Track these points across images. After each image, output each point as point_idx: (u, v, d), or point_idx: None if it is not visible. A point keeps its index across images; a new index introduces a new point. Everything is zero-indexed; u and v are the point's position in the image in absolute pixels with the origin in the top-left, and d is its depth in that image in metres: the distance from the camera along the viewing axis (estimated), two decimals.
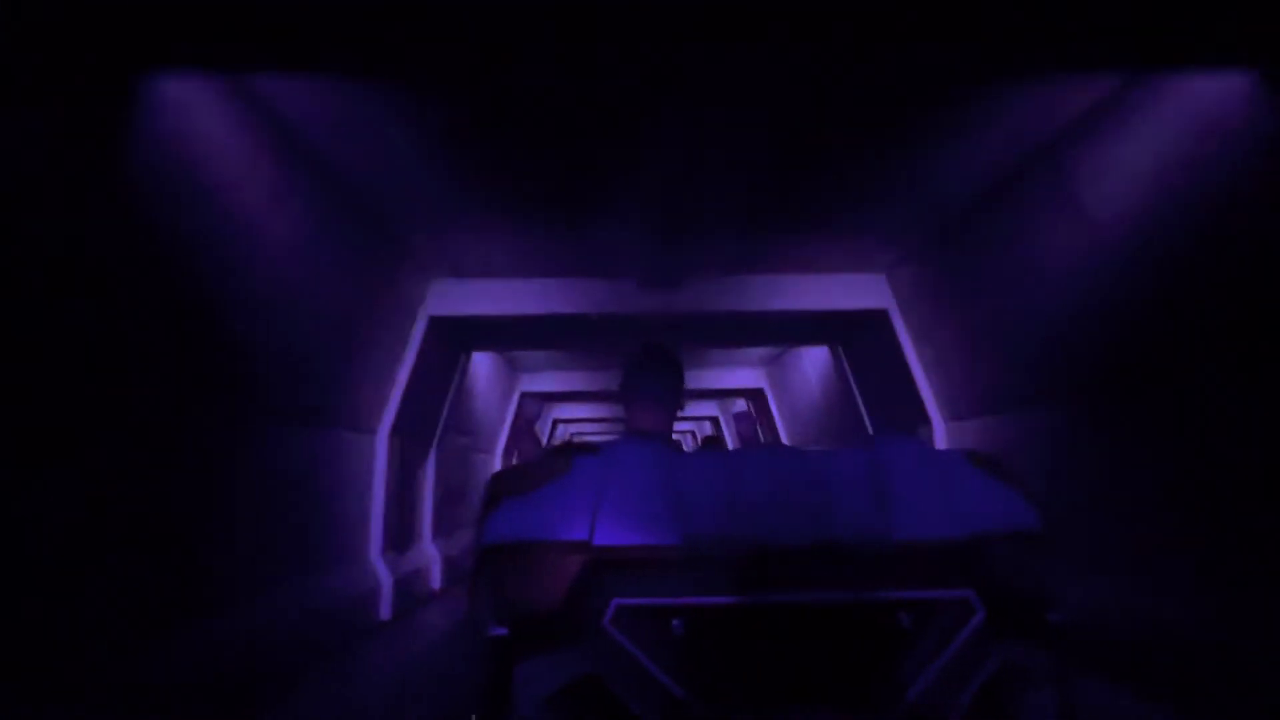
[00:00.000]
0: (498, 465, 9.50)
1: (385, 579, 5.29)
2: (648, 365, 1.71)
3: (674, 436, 1.89)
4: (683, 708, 1.02)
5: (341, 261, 4.12)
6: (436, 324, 5.61)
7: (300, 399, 4.09)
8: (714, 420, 15.04)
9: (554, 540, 1.10)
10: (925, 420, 5.41)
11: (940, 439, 5.29)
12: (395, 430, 5.58)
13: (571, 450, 1.52)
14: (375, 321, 4.89)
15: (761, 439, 10.18)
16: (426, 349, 5.67)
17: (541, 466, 1.19)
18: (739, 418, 9.14)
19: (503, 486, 1.20)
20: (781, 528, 1.10)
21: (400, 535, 5.83)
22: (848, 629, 1.09)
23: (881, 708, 1.05)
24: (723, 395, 12.03)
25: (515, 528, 1.13)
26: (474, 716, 1.13)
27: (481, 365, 8.42)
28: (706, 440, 3.91)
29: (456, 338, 6.29)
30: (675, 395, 1.70)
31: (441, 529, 6.92)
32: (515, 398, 9.93)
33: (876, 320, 5.61)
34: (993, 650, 1.09)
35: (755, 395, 11.00)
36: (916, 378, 5.42)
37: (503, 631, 1.08)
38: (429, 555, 6.45)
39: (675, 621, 1.05)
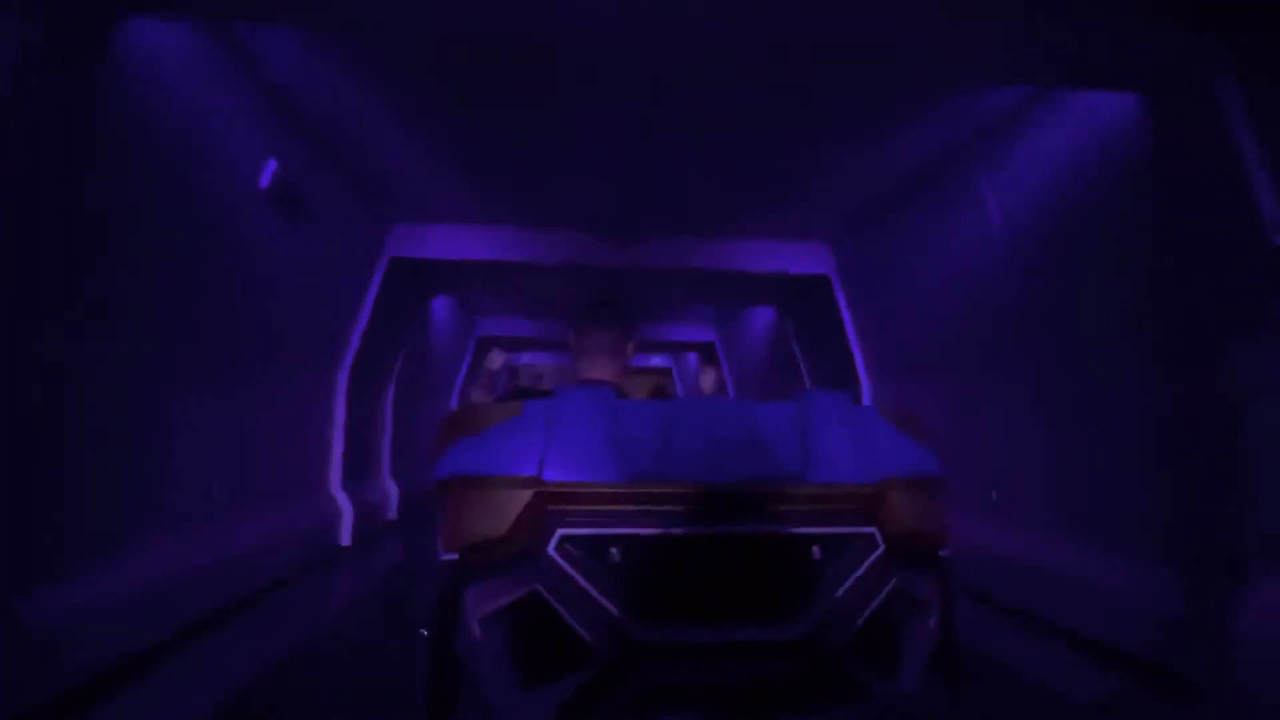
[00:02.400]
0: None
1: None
2: (597, 318, 1.73)
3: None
4: (616, 623, 1.07)
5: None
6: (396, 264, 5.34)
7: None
8: (667, 371, 14.70)
9: (505, 475, 1.12)
10: (855, 380, 5.54)
11: (867, 395, 5.52)
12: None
13: (523, 394, 1.55)
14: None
15: (730, 391, 10.12)
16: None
17: (494, 408, 1.21)
18: (707, 370, 9.28)
19: (458, 425, 1.22)
20: (712, 468, 1.15)
21: None
22: (765, 558, 1.15)
23: (791, 625, 1.12)
24: (676, 348, 11.91)
25: (469, 463, 1.15)
26: (424, 631, 1.16)
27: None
28: (655, 390, 4.12)
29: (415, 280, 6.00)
30: (623, 347, 1.72)
31: None
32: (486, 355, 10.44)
33: (820, 285, 5.68)
34: (889, 579, 1.17)
35: (707, 349, 11.07)
36: (851, 340, 5.53)
37: (453, 556, 1.12)
38: None
39: (613, 549, 1.10)
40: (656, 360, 13.92)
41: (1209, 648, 2.20)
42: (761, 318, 8.42)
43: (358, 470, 5.30)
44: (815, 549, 1.15)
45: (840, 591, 1.13)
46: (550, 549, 1.09)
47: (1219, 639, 2.15)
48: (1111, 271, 2.87)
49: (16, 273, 1.97)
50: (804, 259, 5.50)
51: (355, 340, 5.08)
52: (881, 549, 1.17)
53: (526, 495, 1.10)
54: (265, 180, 3.30)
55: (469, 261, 5.31)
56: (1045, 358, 3.37)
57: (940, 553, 1.26)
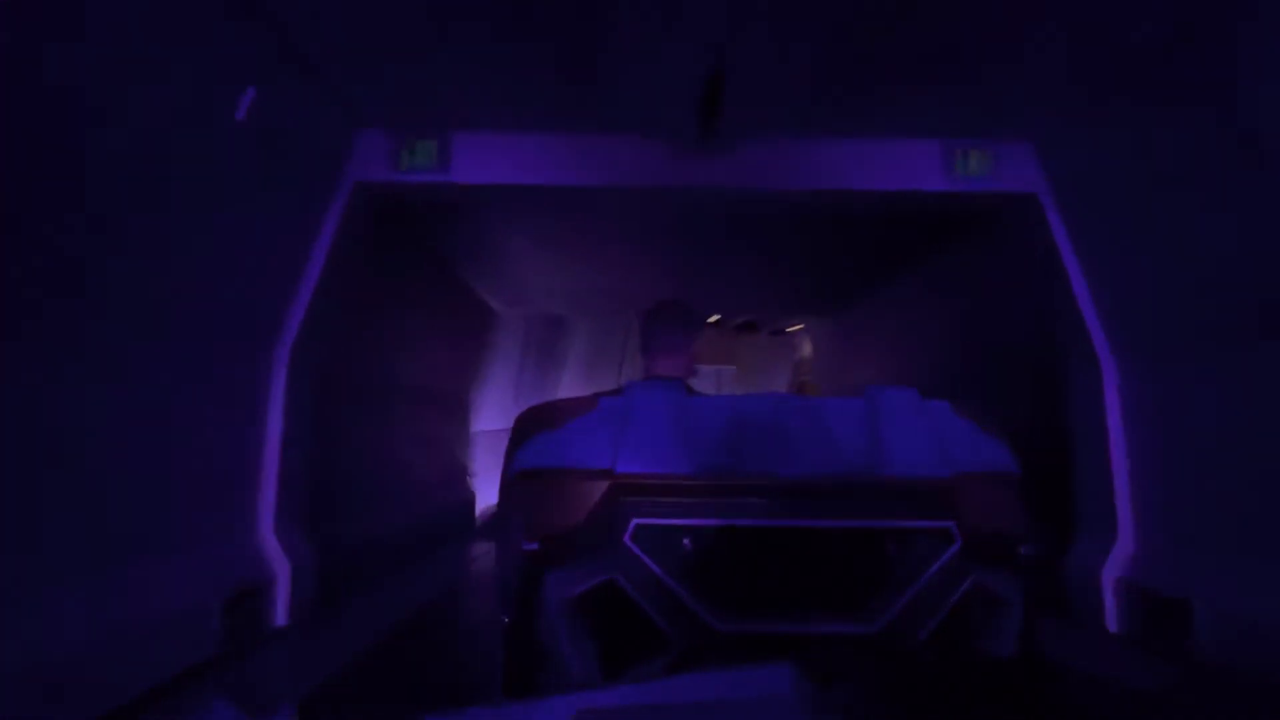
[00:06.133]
0: None
1: None
2: (664, 317, 1.65)
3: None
4: (692, 612, 1.01)
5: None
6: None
7: None
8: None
9: (581, 468, 1.07)
10: (1086, 362, 2.91)
11: (1110, 386, 2.87)
12: None
13: (597, 393, 1.50)
14: None
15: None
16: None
17: (569, 404, 1.18)
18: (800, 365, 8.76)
19: (534, 422, 1.18)
20: (782, 462, 1.07)
21: None
22: (838, 552, 1.05)
23: (865, 622, 1.02)
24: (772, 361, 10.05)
25: (546, 457, 1.11)
26: (506, 618, 1.13)
27: None
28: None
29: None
30: (691, 343, 1.64)
31: None
32: None
33: (1016, 213, 3.04)
34: (966, 575, 1.05)
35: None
36: (1080, 301, 2.89)
37: (534, 546, 1.08)
38: None
39: (686, 540, 1.03)
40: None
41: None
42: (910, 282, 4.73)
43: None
44: (890, 543, 1.05)
45: (917, 586, 1.03)
46: (626, 538, 1.02)
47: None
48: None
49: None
50: (989, 168, 2.93)
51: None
52: (959, 544, 1.05)
53: (602, 486, 1.05)
54: None
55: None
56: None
57: (1020, 550, 1.13)
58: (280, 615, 2.54)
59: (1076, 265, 2.90)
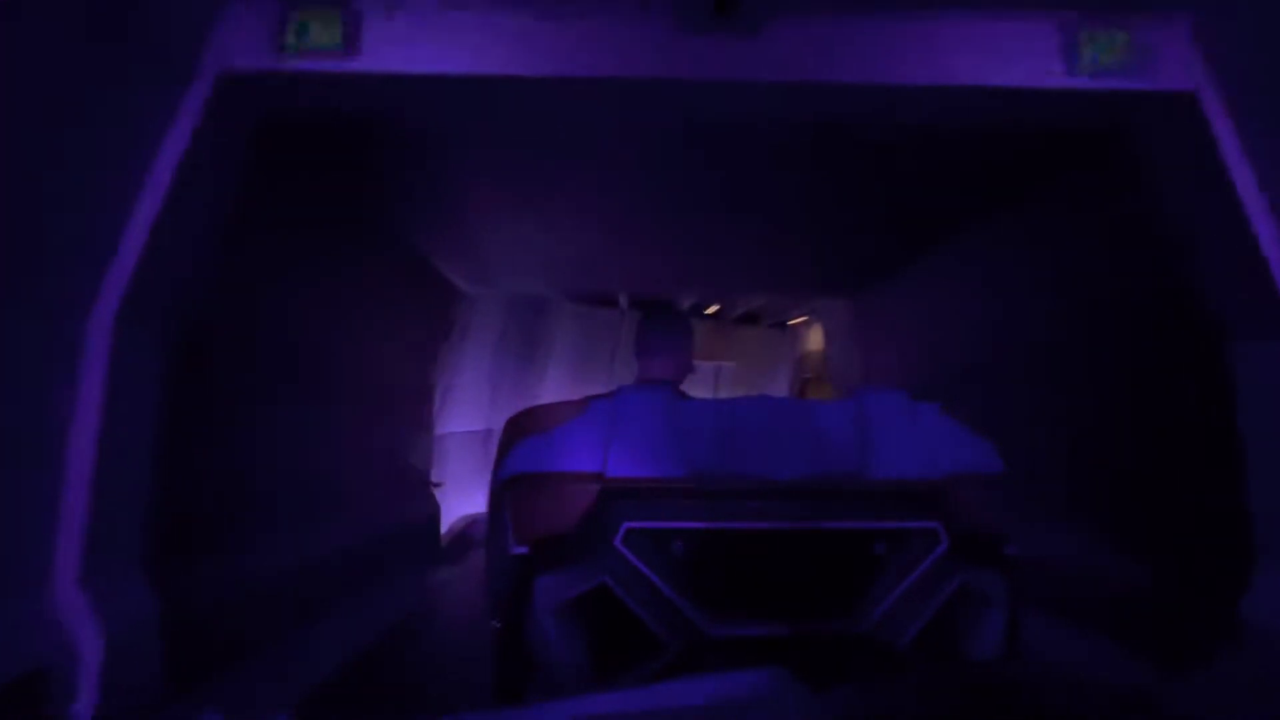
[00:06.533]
0: None
1: None
2: (657, 321, 1.71)
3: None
4: (681, 614, 1.03)
5: None
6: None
7: None
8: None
9: (572, 471, 1.10)
10: (1270, 330, 2.00)
11: None
12: None
13: (588, 396, 1.51)
14: None
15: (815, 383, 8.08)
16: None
17: (560, 408, 1.20)
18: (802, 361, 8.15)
19: (524, 425, 1.21)
20: (772, 464, 1.10)
21: None
22: (827, 553, 1.10)
23: (854, 622, 1.06)
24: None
25: (537, 461, 1.15)
26: (496, 623, 1.13)
27: None
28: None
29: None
30: (683, 349, 1.64)
31: None
32: None
33: (1156, 123, 2.02)
34: (953, 575, 1.10)
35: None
36: (1264, 245, 1.91)
37: (524, 550, 1.08)
38: None
39: (677, 543, 1.06)
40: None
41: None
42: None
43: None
44: (878, 544, 1.10)
45: (905, 586, 1.07)
46: (616, 542, 1.04)
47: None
48: None
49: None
50: (1127, 57, 1.90)
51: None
52: (945, 544, 1.09)
53: (592, 490, 1.07)
54: None
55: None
56: None
57: (1006, 550, 1.17)
58: (82, 713, 1.58)
59: (1257, 195, 1.90)
